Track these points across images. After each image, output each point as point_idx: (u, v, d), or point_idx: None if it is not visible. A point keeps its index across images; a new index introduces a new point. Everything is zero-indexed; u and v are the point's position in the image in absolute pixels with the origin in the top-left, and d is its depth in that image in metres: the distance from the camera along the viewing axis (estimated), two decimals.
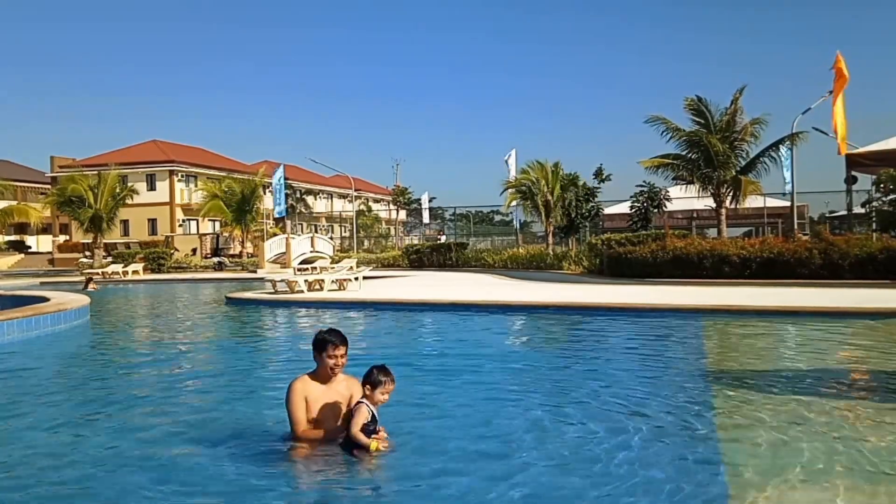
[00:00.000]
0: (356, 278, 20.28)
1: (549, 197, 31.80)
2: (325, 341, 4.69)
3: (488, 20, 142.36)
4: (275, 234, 42.48)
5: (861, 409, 5.81)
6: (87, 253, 44.54)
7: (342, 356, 4.71)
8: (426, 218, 59.27)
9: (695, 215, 39.51)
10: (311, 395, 4.65)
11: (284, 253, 36.65)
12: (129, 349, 10.89)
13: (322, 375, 4.72)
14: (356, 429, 4.44)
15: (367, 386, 4.60)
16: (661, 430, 5.08)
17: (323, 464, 4.41)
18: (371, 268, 26.87)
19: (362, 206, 67.31)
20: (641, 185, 36.44)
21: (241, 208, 43.93)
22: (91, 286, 25.34)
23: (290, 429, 4.74)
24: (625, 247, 22.97)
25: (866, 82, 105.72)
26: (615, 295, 15.64)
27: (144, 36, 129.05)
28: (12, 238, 61.89)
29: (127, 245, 48.15)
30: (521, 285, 20.70)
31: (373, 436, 4.47)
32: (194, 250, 46.01)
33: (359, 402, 4.58)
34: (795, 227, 29.29)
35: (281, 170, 42.26)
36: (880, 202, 25.88)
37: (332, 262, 33.09)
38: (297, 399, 4.64)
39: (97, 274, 27.28)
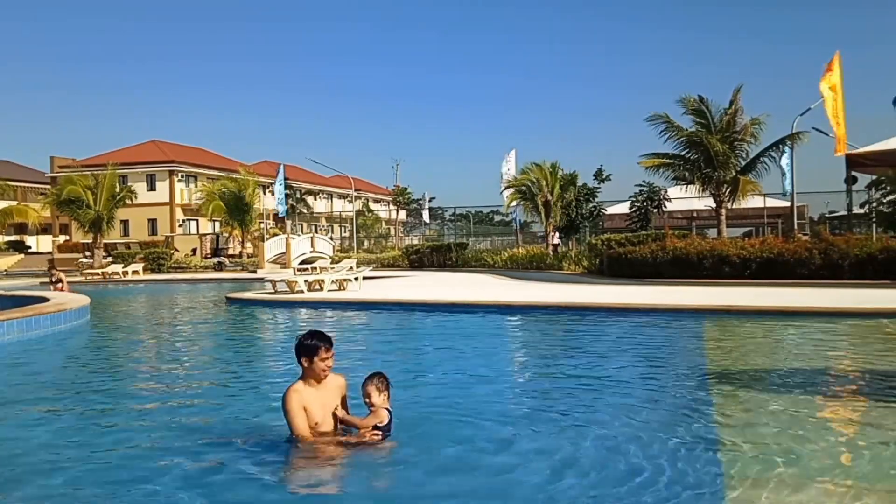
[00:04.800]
0: (356, 278, 20.29)
1: (549, 197, 31.79)
2: (317, 346, 4.58)
3: (489, 20, 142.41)
4: (275, 235, 42.48)
5: (861, 409, 5.81)
6: (87, 253, 44.50)
7: (332, 358, 4.66)
8: (426, 218, 59.28)
9: (695, 215, 39.49)
10: (307, 402, 4.56)
11: (284, 253, 36.64)
12: (129, 349, 10.89)
13: (314, 380, 4.63)
14: (370, 423, 4.60)
15: (386, 394, 4.74)
16: (661, 430, 5.08)
17: (328, 464, 4.41)
18: (371, 268, 26.87)
19: (362, 207, 67.31)
20: (641, 186, 36.47)
21: (237, 208, 43.95)
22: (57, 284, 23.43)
23: (290, 434, 4.66)
24: (625, 247, 22.94)
25: (866, 83, 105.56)
26: (615, 295, 15.63)
27: (144, 35, 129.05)
28: (12, 238, 61.84)
29: (127, 245, 48.13)
30: (521, 285, 20.71)
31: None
32: (194, 250, 45.98)
33: (384, 409, 4.67)
34: (795, 227, 29.29)
35: (281, 170, 42.26)
36: (879, 203, 25.88)
37: (331, 263, 33.08)
38: (296, 409, 4.51)
39: (91, 271, 26.70)
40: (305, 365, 4.63)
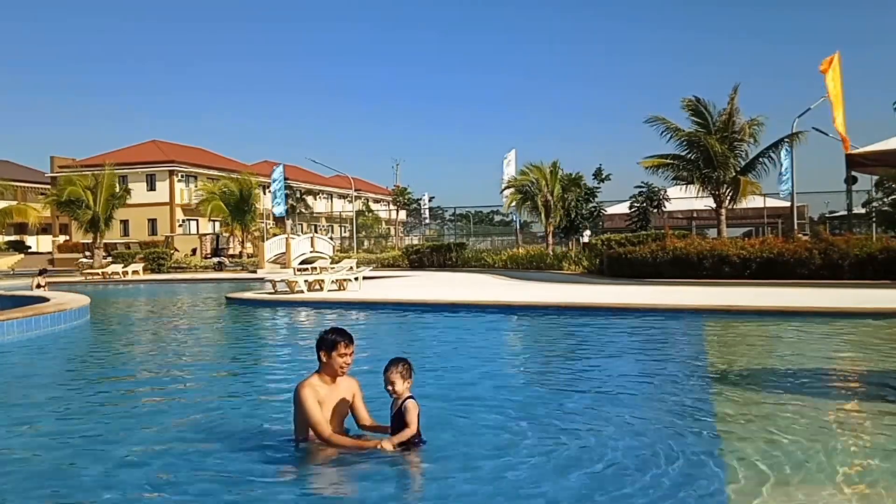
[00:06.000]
0: (356, 278, 20.29)
1: (550, 197, 31.78)
2: (336, 341, 4.60)
3: (489, 20, 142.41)
4: (275, 235, 42.49)
5: (861, 408, 5.81)
6: (87, 253, 44.51)
7: (351, 355, 4.66)
8: (426, 218, 59.30)
9: (694, 215, 39.50)
10: (320, 398, 4.55)
11: (284, 253, 36.66)
12: (129, 349, 10.89)
13: (329, 376, 4.63)
14: (413, 421, 4.46)
15: (410, 381, 4.59)
16: (661, 430, 5.08)
17: (332, 463, 4.40)
18: (371, 268, 26.87)
19: (362, 207, 67.31)
20: (641, 186, 36.51)
21: (238, 208, 43.93)
22: (40, 285, 22.36)
23: (295, 435, 4.67)
24: (625, 247, 22.95)
25: (867, 83, 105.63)
26: (615, 295, 15.63)
27: (144, 35, 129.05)
28: (12, 238, 61.83)
29: (127, 245, 48.13)
30: (521, 285, 20.71)
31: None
32: (194, 250, 45.99)
33: (410, 399, 4.53)
34: (795, 227, 29.28)
35: (281, 170, 42.25)
36: (880, 202, 25.89)
37: (331, 263, 33.08)
38: (312, 402, 4.50)
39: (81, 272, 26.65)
40: (324, 360, 4.63)
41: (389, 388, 4.54)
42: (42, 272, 24.20)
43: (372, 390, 5.21)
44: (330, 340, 4.62)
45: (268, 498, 3.96)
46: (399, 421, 4.48)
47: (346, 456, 4.42)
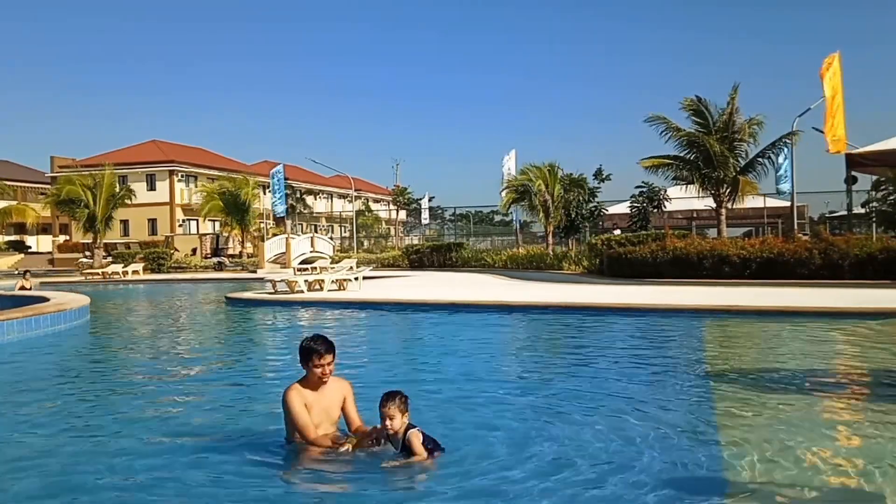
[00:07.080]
0: (356, 278, 20.29)
1: (549, 197, 31.78)
2: (311, 350, 4.55)
3: (489, 20, 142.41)
4: (275, 234, 42.48)
5: (861, 408, 5.82)
6: (87, 253, 44.51)
7: (329, 364, 4.58)
8: (426, 218, 59.31)
9: (694, 215, 39.47)
10: (307, 402, 4.55)
11: (284, 253, 36.65)
12: (129, 349, 10.89)
13: (312, 383, 4.61)
14: (422, 451, 4.31)
15: (407, 414, 4.42)
16: (661, 430, 5.08)
17: (328, 464, 4.40)
18: (371, 268, 26.87)
19: (362, 206, 67.29)
20: (641, 186, 36.52)
21: (237, 207, 43.92)
22: (24, 284, 22.20)
23: (287, 436, 4.67)
24: (625, 247, 22.93)
25: (866, 82, 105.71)
26: (615, 295, 15.63)
27: (144, 35, 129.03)
28: (12, 238, 61.81)
29: (127, 245, 48.12)
30: (521, 285, 20.71)
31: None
32: (194, 250, 45.98)
33: (412, 429, 4.37)
34: (795, 227, 29.26)
35: (281, 169, 42.23)
36: (880, 203, 25.86)
37: (331, 263, 33.07)
38: (298, 406, 4.51)
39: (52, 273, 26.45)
40: (304, 367, 4.64)
41: (387, 423, 4.33)
42: (24, 273, 24.44)
43: (370, 391, 5.21)
44: (306, 349, 4.59)
45: (260, 498, 3.96)
46: (405, 452, 4.35)
47: (339, 457, 4.42)
